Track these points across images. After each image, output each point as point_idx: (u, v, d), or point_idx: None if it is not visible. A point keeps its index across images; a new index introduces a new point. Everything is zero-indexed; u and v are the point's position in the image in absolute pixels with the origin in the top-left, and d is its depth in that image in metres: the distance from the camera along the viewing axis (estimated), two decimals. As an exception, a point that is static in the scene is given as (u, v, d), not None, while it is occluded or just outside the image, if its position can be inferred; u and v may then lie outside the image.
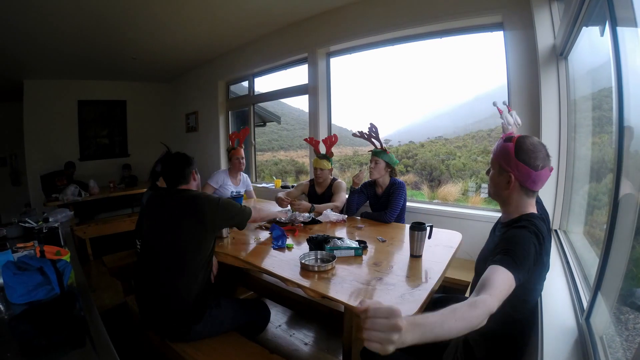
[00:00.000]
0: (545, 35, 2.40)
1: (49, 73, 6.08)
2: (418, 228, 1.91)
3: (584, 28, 1.82)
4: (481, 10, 2.89)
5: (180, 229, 1.86)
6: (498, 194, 1.42)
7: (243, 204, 2.49)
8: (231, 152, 3.83)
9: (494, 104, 2.05)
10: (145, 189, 3.45)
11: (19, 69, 5.64)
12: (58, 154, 6.44)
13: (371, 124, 2.98)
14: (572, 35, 1.98)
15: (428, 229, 1.95)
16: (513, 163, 1.32)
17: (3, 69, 5.50)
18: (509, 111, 1.97)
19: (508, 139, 1.37)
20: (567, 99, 2.34)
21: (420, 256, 1.95)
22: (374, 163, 2.92)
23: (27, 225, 2.64)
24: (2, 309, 1.50)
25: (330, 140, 3.44)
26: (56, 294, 1.55)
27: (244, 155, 3.87)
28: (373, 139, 2.98)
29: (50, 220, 2.79)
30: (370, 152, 2.99)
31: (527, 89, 2.66)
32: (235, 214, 2.05)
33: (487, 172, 1.50)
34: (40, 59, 5.24)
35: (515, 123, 1.96)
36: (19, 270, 1.57)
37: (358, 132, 3.08)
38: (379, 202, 2.99)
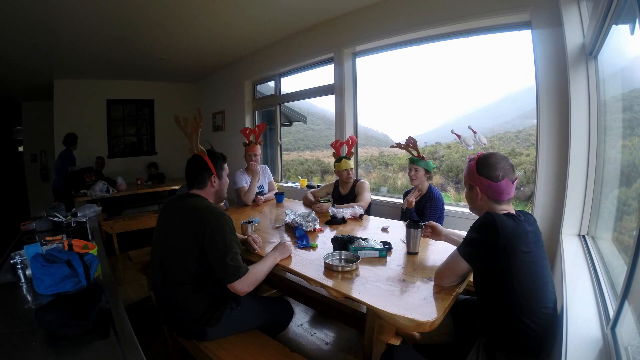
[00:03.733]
0: (574, 34, 2.32)
1: (79, 73, 6.27)
2: (414, 226, 1.98)
3: (613, 26, 1.75)
4: (508, 9, 2.83)
5: (178, 240, 1.78)
6: (474, 207, 1.62)
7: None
8: (245, 148, 3.69)
9: (452, 131, 2.30)
10: (178, 187, 3.52)
11: (49, 69, 5.84)
12: (87, 151, 6.64)
13: (409, 136, 3.05)
14: (601, 33, 1.91)
15: (424, 227, 2.07)
16: (476, 178, 1.53)
17: (34, 69, 5.72)
18: (474, 134, 2.19)
19: (472, 159, 1.58)
20: (597, 100, 2.26)
21: (416, 253, 2.01)
22: (413, 171, 2.96)
23: (56, 219, 2.73)
24: (29, 299, 1.57)
25: (353, 140, 3.53)
26: (83, 286, 1.60)
27: (258, 152, 3.68)
28: (410, 149, 3.03)
29: (78, 215, 2.88)
30: (409, 160, 3.02)
31: (555, 89, 2.59)
32: (220, 255, 1.70)
33: (465, 195, 1.69)
34: (70, 59, 5.41)
35: (479, 143, 2.29)
36: (47, 262, 1.63)
37: (395, 143, 3.12)
38: (416, 206, 2.99)
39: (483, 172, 1.50)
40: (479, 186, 1.52)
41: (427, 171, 2.96)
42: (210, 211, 1.79)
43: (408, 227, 2.00)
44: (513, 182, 1.50)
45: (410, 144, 3.02)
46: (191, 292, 1.77)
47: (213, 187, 1.99)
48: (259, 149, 3.72)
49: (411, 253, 2.02)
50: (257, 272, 1.81)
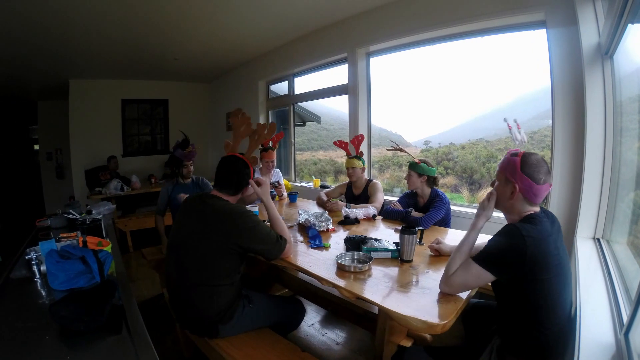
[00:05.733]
0: (590, 33, 2.28)
1: (94, 73, 6.35)
2: (408, 232, 1.87)
3: (629, 25, 1.72)
4: (523, 8, 2.80)
5: (202, 243, 1.76)
6: (501, 203, 1.56)
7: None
8: (262, 154, 3.83)
9: (505, 120, 2.21)
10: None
11: (65, 69, 5.92)
12: (102, 150, 6.73)
13: (393, 143, 3.04)
14: (617, 33, 1.88)
15: (418, 232, 1.98)
16: (518, 175, 1.44)
17: (50, 69, 5.81)
18: (518, 128, 2.12)
19: (514, 154, 1.51)
20: (613, 100, 2.22)
21: (410, 261, 1.92)
22: (408, 175, 2.89)
23: (71, 216, 2.78)
24: (43, 294, 1.60)
25: (358, 140, 3.45)
26: (96, 283, 1.63)
27: (274, 159, 3.88)
28: (406, 151, 2.98)
29: (93, 212, 2.92)
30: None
31: (571, 90, 2.55)
32: (264, 243, 1.82)
33: (492, 184, 1.62)
34: (86, 60, 5.48)
35: (521, 140, 2.09)
36: (61, 258, 1.66)
37: (392, 146, 3.06)
38: (421, 212, 2.89)
39: (527, 171, 1.43)
40: (518, 184, 1.44)
41: (421, 175, 2.82)
42: (238, 214, 1.80)
43: (402, 232, 1.88)
44: (550, 187, 1.47)
45: (401, 147, 2.96)
46: (208, 293, 1.77)
47: (241, 195, 2.04)
48: (274, 155, 3.88)
49: (405, 260, 1.92)
50: (282, 228, 2.00)
